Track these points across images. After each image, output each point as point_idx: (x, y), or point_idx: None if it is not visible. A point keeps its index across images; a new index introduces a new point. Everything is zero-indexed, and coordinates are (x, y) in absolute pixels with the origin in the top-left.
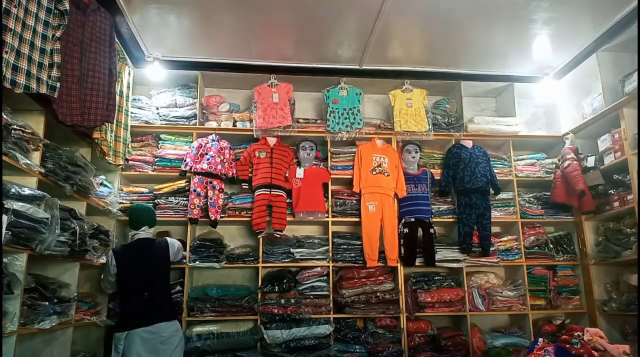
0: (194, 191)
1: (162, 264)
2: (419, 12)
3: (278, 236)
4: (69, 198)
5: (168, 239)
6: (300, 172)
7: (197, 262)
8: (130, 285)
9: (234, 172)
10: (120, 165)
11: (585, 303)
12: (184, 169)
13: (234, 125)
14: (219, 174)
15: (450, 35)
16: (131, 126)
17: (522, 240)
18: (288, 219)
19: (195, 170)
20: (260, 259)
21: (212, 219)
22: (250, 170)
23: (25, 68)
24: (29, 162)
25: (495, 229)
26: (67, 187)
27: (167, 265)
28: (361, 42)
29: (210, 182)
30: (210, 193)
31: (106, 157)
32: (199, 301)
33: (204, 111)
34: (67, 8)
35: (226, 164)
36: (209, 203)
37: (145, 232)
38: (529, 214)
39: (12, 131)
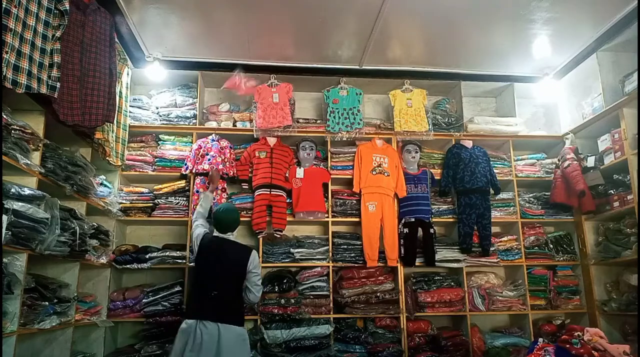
0: (197, 191)
1: (235, 271)
2: (419, 12)
3: (278, 236)
4: (69, 198)
5: (254, 251)
6: (300, 172)
7: None
8: (200, 280)
9: (235, 171)
10: (120, 165)
11: (585, 303)
12: (184, 172)
13: (234, 125)
14: (221, 173)
15: (450, 35)
16: (131, 126)
17: (522, 240)
18: (288, 219)
19: (197, 170)
20: (260, 259)
21: None
22: (250, 170)
23: (27, 68)
24: (29, 162)
25: (495, 229)
26: (67, 187)
27: (241, 273)
28: (361, 42)
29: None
30: None
31: (107, 158)
32: None
33: (204, 111)
34: (67, 8)
35: (227, 163)
36: (212, 203)
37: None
38: (529, 214)
39: (12, 131)
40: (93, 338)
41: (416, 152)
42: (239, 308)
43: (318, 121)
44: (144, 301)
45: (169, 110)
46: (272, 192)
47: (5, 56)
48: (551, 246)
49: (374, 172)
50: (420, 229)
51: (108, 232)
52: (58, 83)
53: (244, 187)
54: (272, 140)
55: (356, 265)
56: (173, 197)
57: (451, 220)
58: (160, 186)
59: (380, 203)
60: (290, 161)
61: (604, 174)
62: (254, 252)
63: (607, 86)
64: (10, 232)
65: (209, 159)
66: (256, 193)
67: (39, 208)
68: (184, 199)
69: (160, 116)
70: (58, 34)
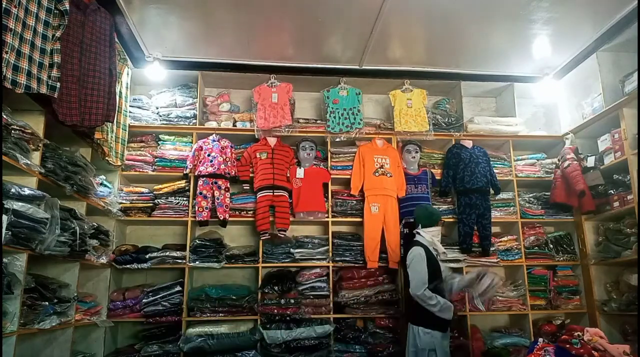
0: (200, 193)
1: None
2: (419, 12)
3: (282, 235)
4: (69, 198)
5: (412, 249)
6: (300, 172)
7: (197, 262)
8: None
9: (236, 171)
10: (119, 166)
11: (585, 303)
12: (185, 172)
13: (234, 125)
14: (223, 173)
15: (450, 35)
16: (131, 126)
17: (522, 240)
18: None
19: (200, 173)
20: (260, 259)
21: (222, 218)
22: (250, 170)
23: (26, 68)
24: (29, 162)
25: (495, 229)
26: (67, 187)
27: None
28: (361, 42)
29: (216, 183)
30: (216, 193)
31: (107, 158)
32: (199, 301)
33: (204, 111)
34: (67, 8)
35: (229, 162)
36: (216, 203)
37: (422, 232)
38: (529, 214)
39: (12, 131)
40: (93, 338)
41: (416, 152)
42: (416, 308)
43: (318, 121)
44: (144, 301)
45: (169, 110)
46: (274, 193)
47: (5, 56)
48: (551, 246)
49: (376, 174)
50: None
51: (108, 232)
52: (58, 83)
53: (245, 188)
54: (272, 141)
55: (356, 265)
56: (173, 197)
57: (451, 220)
58: (160, 186)
59: (384, 205)
60: (291, 161)
61: (604, 174)
62: (411, 250)
63: (607, 86)
64: (10, 232)
65: (211, 161)
66: (259, 195)
67: (39, 208)
68: (184, 199)
69: (160, 116)
70: (58, 34)
